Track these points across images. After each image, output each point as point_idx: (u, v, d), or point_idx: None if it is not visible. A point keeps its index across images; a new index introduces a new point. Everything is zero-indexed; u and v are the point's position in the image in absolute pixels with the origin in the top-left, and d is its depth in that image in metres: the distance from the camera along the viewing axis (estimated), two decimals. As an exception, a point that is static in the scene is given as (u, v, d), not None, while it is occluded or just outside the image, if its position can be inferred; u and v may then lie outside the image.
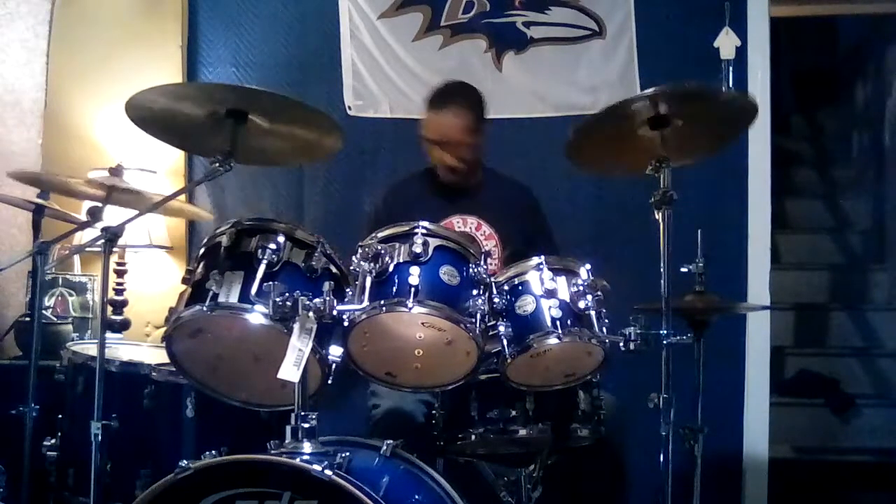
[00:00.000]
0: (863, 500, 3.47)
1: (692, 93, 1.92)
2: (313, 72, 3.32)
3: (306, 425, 1.66)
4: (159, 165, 3.20)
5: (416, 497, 1.78)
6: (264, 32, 3.34)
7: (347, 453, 1.64)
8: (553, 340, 1.81)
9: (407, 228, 1.81)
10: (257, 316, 1.65)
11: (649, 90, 1.85)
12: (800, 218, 4.57)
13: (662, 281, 1.86)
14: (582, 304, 1.86)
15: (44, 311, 2.93)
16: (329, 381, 1.75)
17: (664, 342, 1.83)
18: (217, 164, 1.79)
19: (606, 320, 1.87)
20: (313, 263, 1.74)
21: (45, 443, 2.10)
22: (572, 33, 3.27)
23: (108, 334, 2.18)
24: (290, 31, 3.34)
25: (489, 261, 1.91)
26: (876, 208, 4.51)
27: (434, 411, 2.06)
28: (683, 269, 2.12)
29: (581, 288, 1.87)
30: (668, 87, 1.84)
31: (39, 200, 2.37)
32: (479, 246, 2.05)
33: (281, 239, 1.73)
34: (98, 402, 1.81)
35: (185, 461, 1.57)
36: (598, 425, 2.03)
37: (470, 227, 2.59)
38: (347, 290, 1.76)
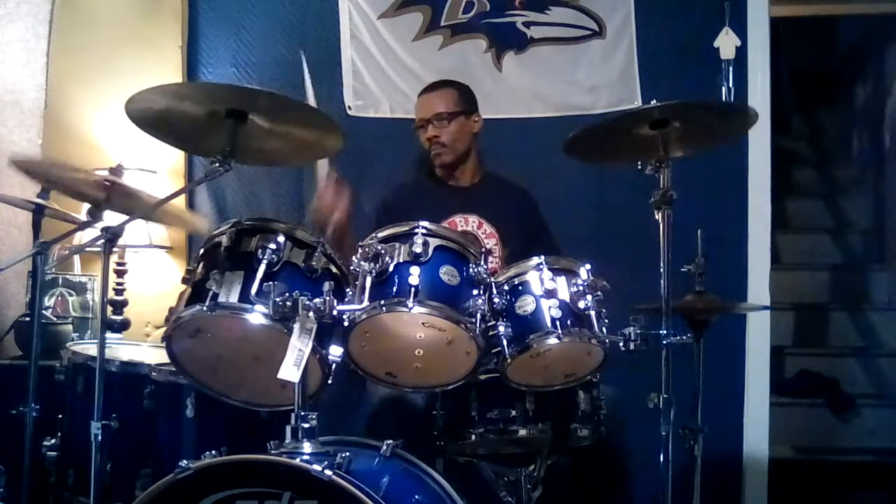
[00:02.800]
0: (863, 500, 3.47)
1: (690, 105, 1.93)
2: (313, 72, 3.31)
3: (306, 425, 1.67)
4: (159, 165, 3.20)
5: (416, 497, 1.78)
6: (264, 32, 3.33)
7: (347, 453, 1.64)
8: (553, 340, 1.81)
9: (407, 228, 1.81)
10: (257, 316, 1.66)
11: (646, 106, 1.86)
12: (800, 218, 4.57)
13: (662, 281, 1.86)
14: (582, 304, 1.86)
15: (44, 311, 2.93)
16: (329, 381, 1.75)
17: (664, 342, 1.83)
18: (217, 164, 1.78)
19: (606, 320, 1.88)
20: (313, 263, 1.74)
21: (45, 443, 2.09)
22: (572, 33, 3.27)
23: (108, 334, 2.18)
24: (290, 31, 3.33)
25: (490, 259, 1.92)
26: (876, 208, 4.51)
27: (434, 411, 2.06)
28: (683, 269, 2.13)
29: (581, 288, 1.88)
30: (665, 104, 1.84)
31: (39, 200, 2.37)
32: (480, 245, 2.05)
33: (281, 239, 1.73)
34: (98, 402, 1.81)
35: (185, 461, 1.57)
36: (598, 425, 2.03)
37: (472, 226, 2.60)
38: (347, 290, 1.76)
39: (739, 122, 2.01)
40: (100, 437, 1.80)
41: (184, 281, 1.78)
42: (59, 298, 3.13)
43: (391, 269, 1.75)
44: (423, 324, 1.76)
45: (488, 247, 2.54)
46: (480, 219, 2.62)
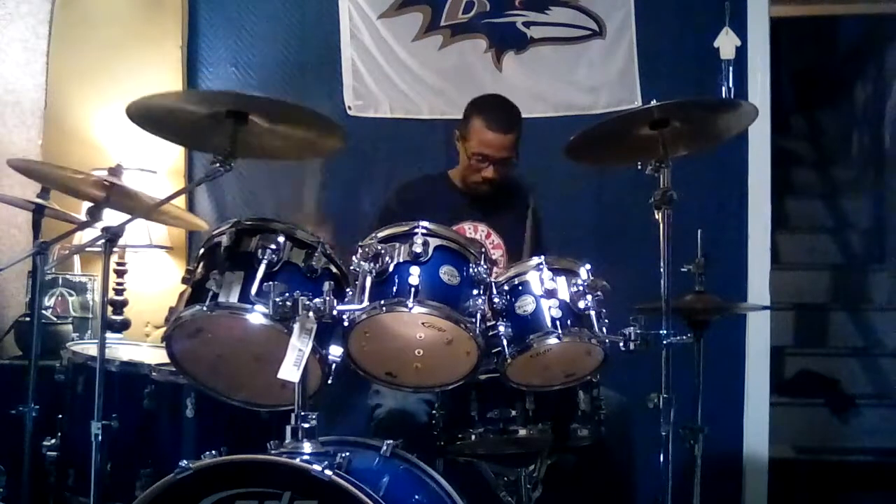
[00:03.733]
0: (863, 500, 3.47)
1: (689, 104, 1.93)
2: (313, 72, 3.32)
3: (306, 425, 1.66)
4: (159, 165, 3.20)
5: (416, 497, 1.78)
6: (264, 32, 3.34)
7: (347, 453, 1.64)
8: (553, 340, 1.81)
9: (407, 228, 1.81)
10: (257, 316, 1.66)
11: (646, 106, 1.86)
12: (800, 218, 4.56)
13: (662, 281, 1.86)
14: (582, 304, 1.86)
15: (44, 311, 2.93)
16: (329, 381, 1.75)
17: (664, 342, 1.83)
18: (217, 165, 1.78)
19: (606, 320, 1.88)
20: (313, 263, 1.74)
21: (45, 443, 2.10)
22: (572, 33, 3.27)
23: (108, 334, 2.18)
24: (290, 30, 3.33)
25: (495, 270, 1.91)
26: (876, 208, 4.50)
27: (434, 411, 2.06)
28: (683, 269, 2.12)
29: (581, 288, 1.88)
30: (665, 103, 1.84)
31: (39, 200, 2.37)
32: (480, 246, 2.05)
33: (281, 239, 1.73)
34: (98, 402, 1.81)
35: (185, 461, 1.57)
36: (598, 425, 2.03)
37: (480, 235, 2.58)
38: (347, 290, 1.76)
39: (739, 119, 2.00)
40: (100, 437, 1.81)
41: (184, 281, 1.78)
42: (59, 298, 3.13)
43: (391, 269, 1.75)
44: (423, 324, 1.76)
45: (494, 257, 2.52)
46: (490, 228, 2.59)
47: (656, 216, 1.87)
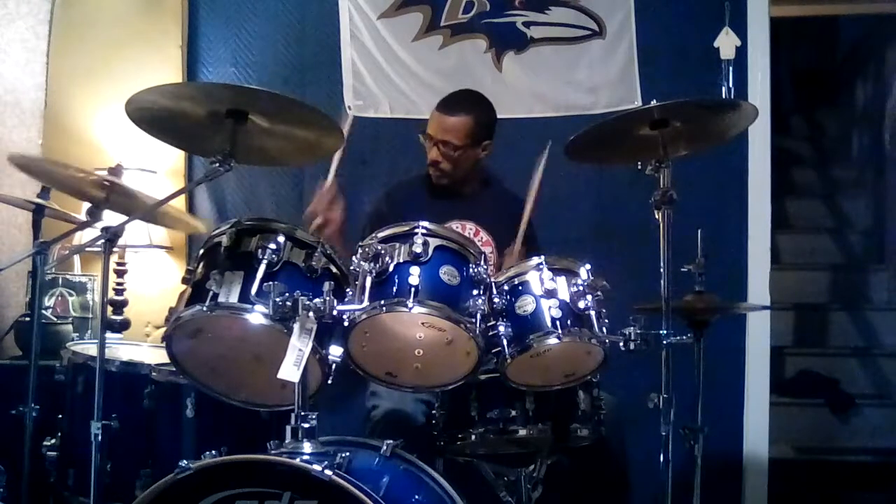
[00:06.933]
0: (863, 500, 3.47)
1: (689, 104, 1.93)
2: (313, 72, 3.33)
3: (306, 425, 1.66)
4: (159, 165, 3.20)
5: (416, 497, 1.78)
6: (264, 32, 3.34)
7: (347, 453, 1.64)
8: (553, 340, 1.81)
9: (407, 228, 1.81)
10: (257, 316, 1.65)
11: (646, 106, 1.86)
12: (800, 218, 4.56)
13: (662, 281, 1.87)
14: (582, 304, 1.86)
15: (44, 311, 2.93)
16: (329, 381, 1.75)
17: (664, 342, 1.84)
18: (217, 165, 1.78)
19: (606, 320, 1.88)
20: (313, 263, 1.74)
21: (45, 443, 2.10)
22: (572, 33, 3.27)
23: (108, 334, 2.18)
24: (290, 30, 3.34)
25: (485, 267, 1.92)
26: (876, 208, 4.51)
27: (434, 411, 2.06)
28: (683, 269, 2.13)
29: (581, 288, 1.88)
30: (665, 103, 1.84)
31: (39, 200, 2.37)
32: (478, 247, 2.06)
33: (281, 239, 1.73)
34: (98, 402, 1.81)
35: (185, 461, 1.57)
36: (598, 425, 2.03)
37: (468, 233, 2.58)
38: (347, 290, 1.76)
39: (739, 119, 2.01)
40: (100, 437, 1.80)
41: (184, 281, 1.78)
42: (59, 298, 3.14)
43: (391, 269, 1.75)
44: (423, 324, 1.76)
45: (483, 254, 2.52)
46: (478, 226, 2.60)
47: (656, 216, 1.88)
